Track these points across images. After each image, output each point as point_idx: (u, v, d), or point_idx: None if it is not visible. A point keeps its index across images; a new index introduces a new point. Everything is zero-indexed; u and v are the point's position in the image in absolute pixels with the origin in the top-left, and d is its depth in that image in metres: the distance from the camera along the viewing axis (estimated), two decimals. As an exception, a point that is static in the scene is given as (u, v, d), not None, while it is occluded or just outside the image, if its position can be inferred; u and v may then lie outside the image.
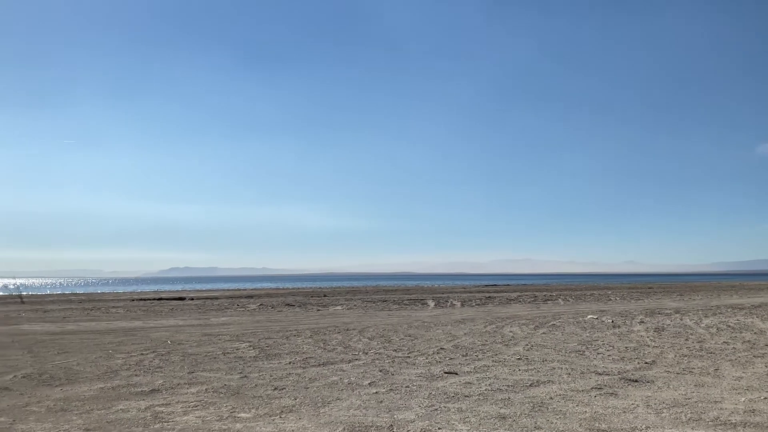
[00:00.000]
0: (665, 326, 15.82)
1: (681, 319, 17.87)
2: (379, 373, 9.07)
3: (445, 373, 9.01)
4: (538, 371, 9.10)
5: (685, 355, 10.67)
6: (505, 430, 5.85)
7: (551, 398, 7.21)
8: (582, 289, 47.10)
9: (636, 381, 8.26)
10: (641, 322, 17.21)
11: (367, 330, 15.38)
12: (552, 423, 6.07)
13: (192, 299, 35.48)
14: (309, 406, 6.93)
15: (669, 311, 21.45)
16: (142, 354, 11.40)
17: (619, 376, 8.64)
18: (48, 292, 60.54)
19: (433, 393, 7.57)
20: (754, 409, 6.57)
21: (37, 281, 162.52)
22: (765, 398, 7.13)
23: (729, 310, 22.03)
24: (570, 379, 8.41)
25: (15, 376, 9.07)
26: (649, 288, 50.81)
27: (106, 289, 69.93)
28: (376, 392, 7.65)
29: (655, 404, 6.84)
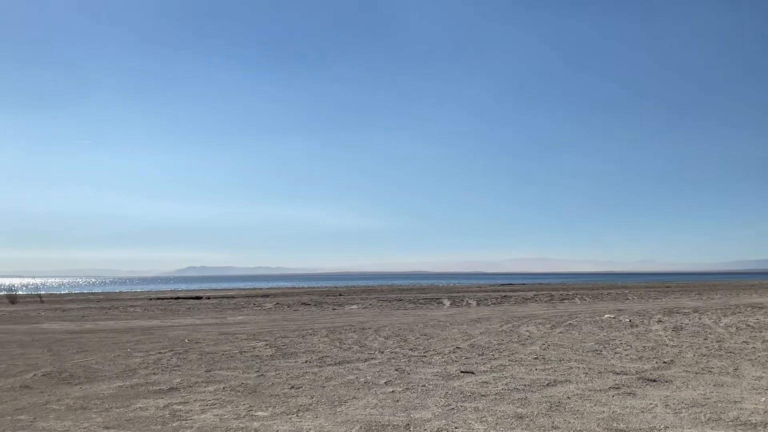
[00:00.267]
0: (683, 325, 15.67)
1: (699, 319, 17.69)
2: (395, 372, 9.07)
3: (462, 372, 8.99)
4: (555, 371, 9.05)
5: (704, 355, 10.57)
6: (522, 429, 5.83)
7: (569, 398, 7.17)
8: (598, 288, 46.77)
9: (654, 381, 8.20)
10: (659, 321, 17.06)
11: (383, 329, 15.39)
12: (569, 423, 6.04)
13: (208, 298, 35.67)
14: (326, 405, 6.95)
15: (687, 310, 21.24)
16: (160, 352, 11.48)
17: (637, 375, 8.57)
18: (66, 291, 61.16)
19: (450, 392, 7.56)
20: (774, 410, 6.49)
21: (55, 281, 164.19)
22: (786, 398, 7.05)
23: (748, 309, 21.77)
24: (587, 379, 8.36)
25: (35, 375, 9.18)
26: (667, 287, 50.34)
27: (124, 289, 70.52)
28: (393, 391, 7.65)
29: (673, 404, 6.78)
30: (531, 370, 9.15)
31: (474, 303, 28.01)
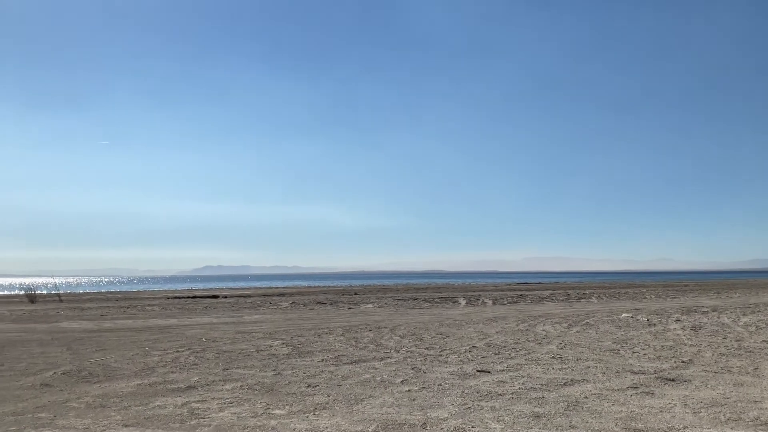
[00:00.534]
0: (702, 324, 15.51)
1: (718, 318, 17.50)
2: (412, 371, 9.07)
3: (478, 371, 8.97)
4: (572, 370, 9.00)
5: (723, 354, 10.46)
6: (540, 428, 5.80)
7: (586, 397, 7.13)
8: (616, 287, 46.44)
9: (673, 380, 8.13)
10: (677, 320, 16.91)
11: (399, 328, 15.39)
12: (587, 422, 6.00)
13: (225, 297, 35.86)
14: (342, 404, 6.96)
15: (706, 309, 21.02)
16: (177, 351, 11.57)
17: (656, 375, 8.50)
18: (85, 290, 61.80)
19: (466, 391, 7.54)
20: (796, 410, 6.41)
21: (73, 280, 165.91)
22: (807, 398, 6.96)
23: (768, 308, 21.51)
24: (605, 378, 8.30)
25: (55, 373, 9.29)
26: (685, 286, 49.88)
27: (142, 288, 71.10)
28: (409, 390, 7.65)
29: (692, 404, 6.72)
30: (548, 369, 9.11)
31: (490, 302, 27.93)
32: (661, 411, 6.41)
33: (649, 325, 15.63)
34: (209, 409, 6.79)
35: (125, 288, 72.37)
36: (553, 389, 7.61)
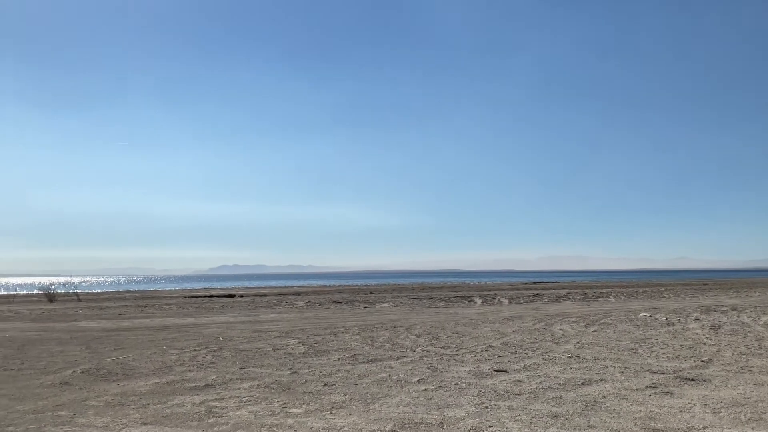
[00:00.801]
0: (722, 324, 15.34)
1: (738, 317, 17.31)
2: (428, 370, 9.05)
3: (495, 370, 8.93)
4: (590, 369, 8.94)
5: (744, 354, 10.33)
6: (558, 428, 5.76)
7: (604, 397, 7.08)
8: (634, 286, 46.09)
9: (692, 380, 8.04)
10: (696, 319, 16.74)
11: (414, 327, 15.37)
12: (606, 422, 5.95)
13: (241, 296, 36.04)
14: (359, 403, 6.97)
15: (725, 308, 20.79)
16: (195, 350, 11.64)
17: (675, 374, 8.42)
18: (103, 289, 62.38)
19: (483, 390, 7.51)
20: (819, 410, 6.32)
21: (91, 279, 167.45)
22: (830, 399, 6.86)
23: (789, 307, 21.23)
24: (623, 378, 8.23)
25: (74, 372, 9.38)
26: (704, 284, 49.39)
27: (159, 287, 71.60)
28: (425, 389, 7.64)
29: (712, 403, 6.65)
30: (565, 368, 9.05)
31: (506, 301, 27.82)
32: (681, 411, 6.34)
33: (668, 324, 15.48)
34: (227, 407, 6.83)
35: (143, 287, 72.86)
36: (570, 389, 7.56)
